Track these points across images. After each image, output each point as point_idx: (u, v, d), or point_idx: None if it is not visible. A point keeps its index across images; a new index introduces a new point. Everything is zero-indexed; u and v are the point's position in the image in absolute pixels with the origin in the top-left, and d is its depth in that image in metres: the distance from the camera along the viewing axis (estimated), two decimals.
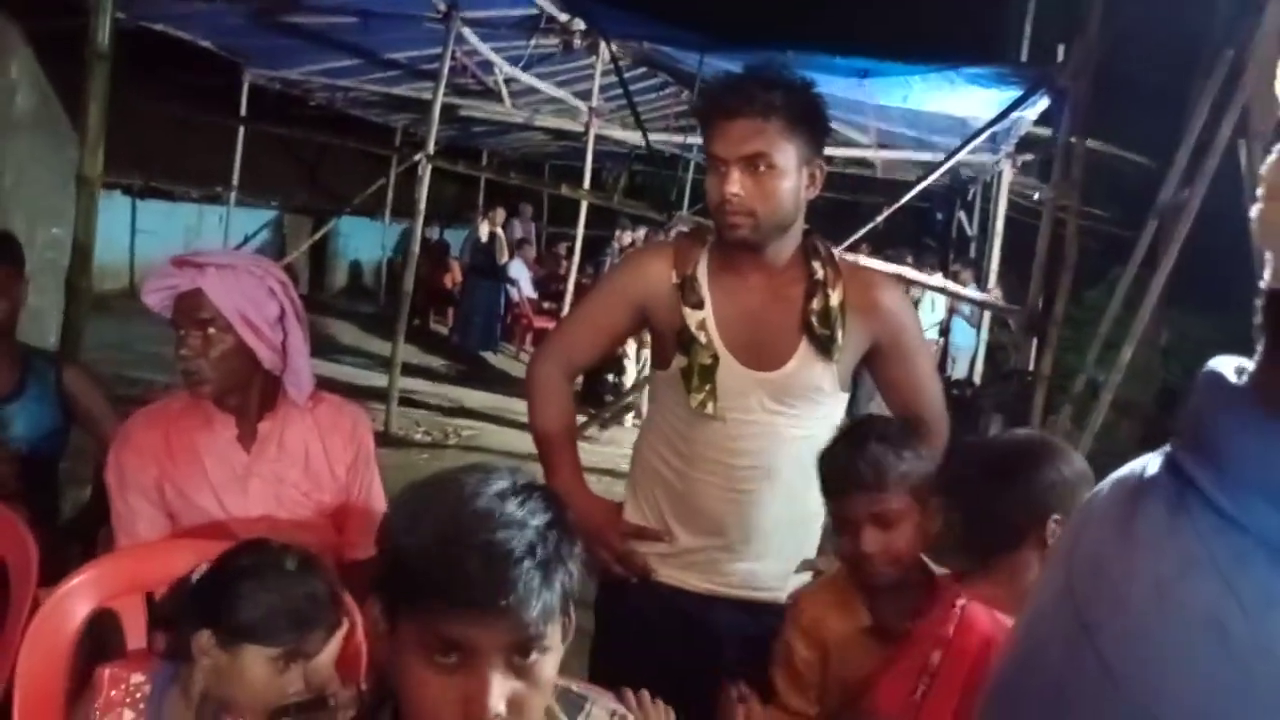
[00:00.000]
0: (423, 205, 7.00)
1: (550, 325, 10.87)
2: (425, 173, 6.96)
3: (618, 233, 10.12)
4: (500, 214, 10.92)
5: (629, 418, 8.15)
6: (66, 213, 3.44)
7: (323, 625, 1.58)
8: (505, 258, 11.18)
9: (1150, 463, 0.85)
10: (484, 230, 10.76)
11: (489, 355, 11.08)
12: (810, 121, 1.80)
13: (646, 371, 7.66)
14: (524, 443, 7.54)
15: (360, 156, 13.91)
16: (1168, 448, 0.83)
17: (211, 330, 1.86)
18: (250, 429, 1.98)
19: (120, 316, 8.88)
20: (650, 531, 1.97)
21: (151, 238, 11.42)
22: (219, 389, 1.90)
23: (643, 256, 2.02)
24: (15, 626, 1.79)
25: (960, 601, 1.48)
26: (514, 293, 11.54)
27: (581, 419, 6.29)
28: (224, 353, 1.87)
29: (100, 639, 1.82)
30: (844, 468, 1.69)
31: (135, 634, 1.77)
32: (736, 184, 1.76)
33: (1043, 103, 6.71)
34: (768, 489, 1.90)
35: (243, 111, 10.04)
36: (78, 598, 1.75)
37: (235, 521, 1.91)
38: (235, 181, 10.68)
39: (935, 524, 1.68)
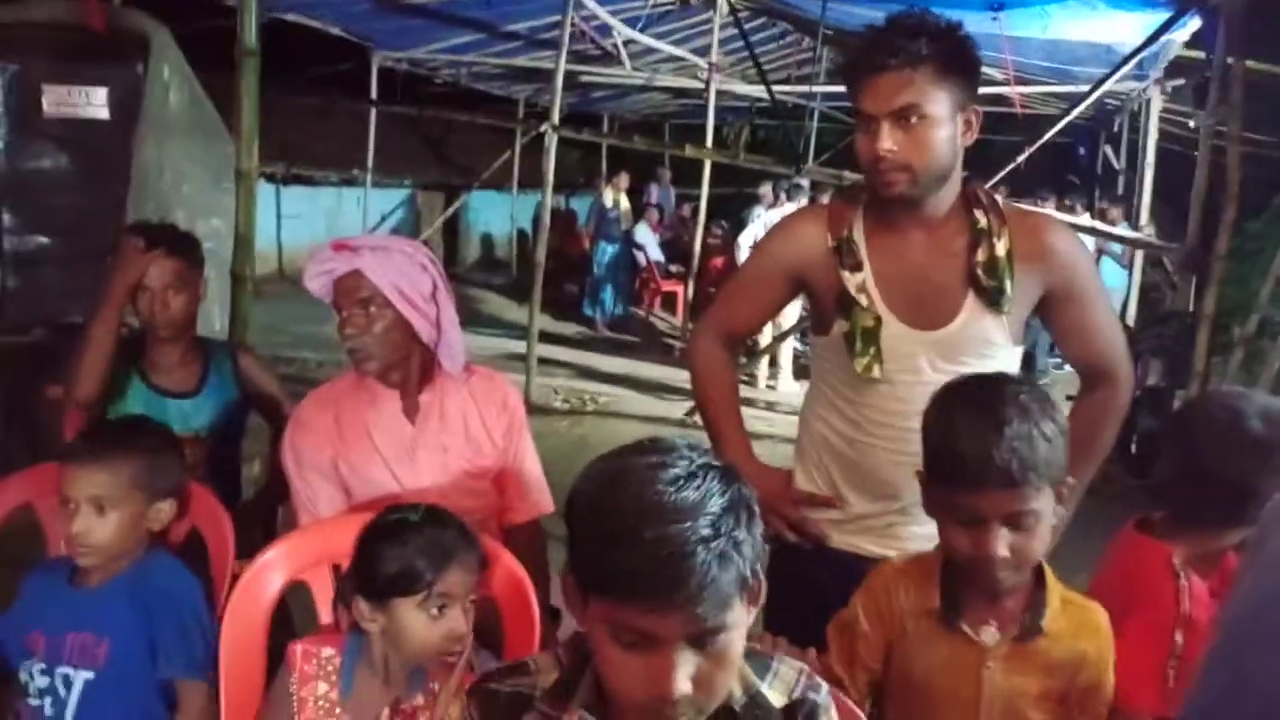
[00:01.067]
0: (550, 176, 7.07)
1: (677, 288, 10.92)
2: (551, 143, 7.01)
3: (764, 189, 10.03)
4: (624, 179, 10.94)
5: (783, 375, 8.09)
6: (221, 205, 3.60)
7: (457, 564, 1.66)
8: (630, 223, 11.22)
9: None
10: (609, 197, 10.81)
11: (620, 319, 11.20)
12: (961, 66, 1.74)
13: (785, 326, 7.58)
14: (660, 407, 7.58)
15: (486, 130, 14.10)
16: None
17: (372, 308, 1.93)
18: (413, 402, 2.04)
19: (271, 299, 9.31)
20: (822, 498, 1.96)
21: (295, 222, 11.92)
22: (384, 363, 1.97)
23: (795, 221, 2.00)
24: (219, 597, 1.91)
25: (1181, 575, 1.43)
26: (641, 257, 11.60)
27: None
28: (385, 328, 1.94)
29: (284, 615, 1.91)
30: (976, 456, 1.39)
31: (325, 604, 1.86)
32: (889, 139, 1.71)
33: (1194, 23, 6.27)
34: None
35: (373, 95, 10.33)
36: (273, 570, 1.84)
37: (407, 492, 1.98)
38: (370, 164, 11.00)
39: (1070, 509, 1.54)
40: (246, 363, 2.52)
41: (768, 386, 8.12)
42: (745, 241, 8.76)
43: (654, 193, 13.30)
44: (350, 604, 1.69)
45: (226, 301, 3.21)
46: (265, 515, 2.50)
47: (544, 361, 8.13)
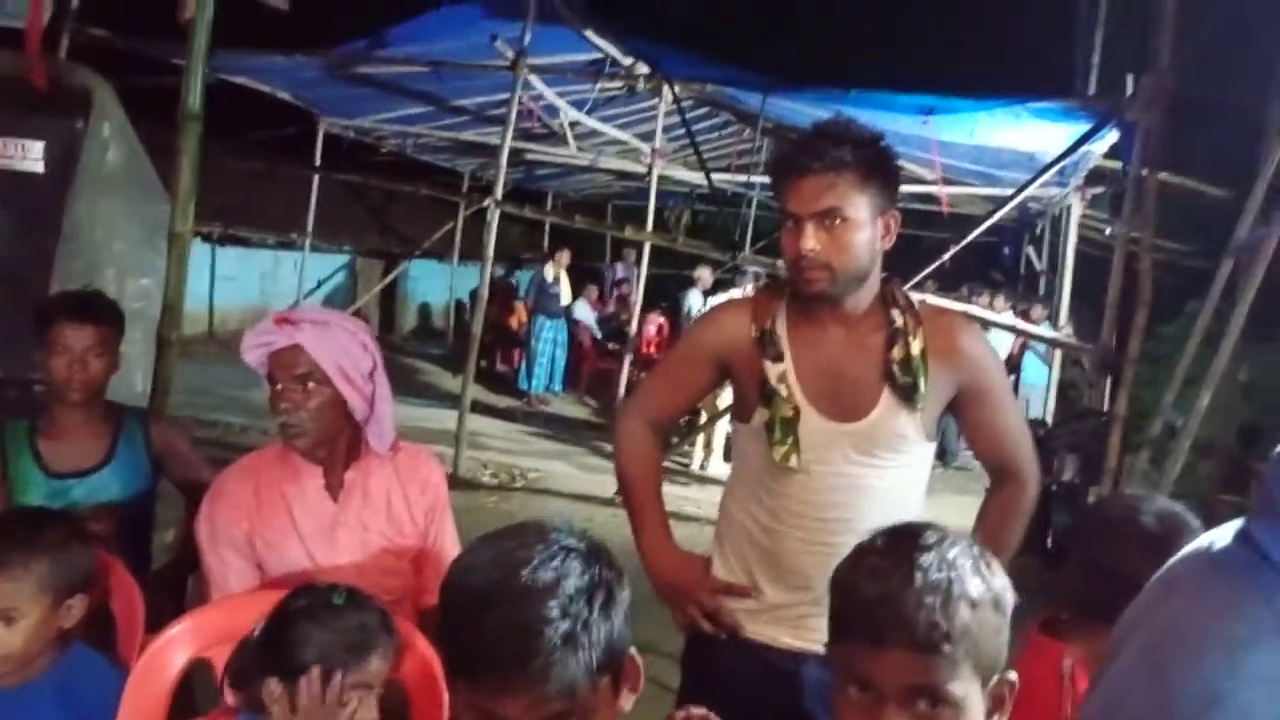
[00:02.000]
0: (490, 248, 7.11)
1: (612, 366, 10.96)
2: (494, 217, 7.07)
3: (701, 273, 10.18)
4: (565, 255, 11.03)
5: (714, 457, 8.13)
6: (152, 265, 3.55)
7: (376, 652, 1.63)
8: (568, 299, 11.30)
9: (1224, 534, 0.90)
10: (549, 272, 10.89)
11: (554, 396, 11.20)
12: (882, 173, 1.82)
13: (720, 408, 7.64)
14: (590, 484, 7.54)
15: (429, 201, 14.16)
16: (1241, 521, 0.88)
17: (310, 384, 1.91)
18: (337, 479, 2.02)
19: (200, 361, 9.13)
20: (738, 588, 1.97)
21: (230, 284, 11.78)
22: (315, 440, 1.95)
23: (721, 311, 2.05)
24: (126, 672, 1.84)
25: (1066, 677, 1.45)
26: (579, 333, 11.65)
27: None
28: (321, 404, 1.92)
29: (188, 694, 1.85)
30: (873, 599, 1.11)
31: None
32: (812, 239, 1.77)
33: (1112, 135, 6.61)
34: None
35: (317, 161, 10.34)
36: (176, 647, 1.79)
37: (323, 570, 1.94)
38: (309, 228, 10.97)
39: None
40: (160, 432, 2.45)
41: (700, 468, 8.15)
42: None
43: (619, 270, 13.47)
44: (246, 682, 1.64)
45: (150, 364, 3.15)
46: (176, 584, 2.43)
47: (475, 434, 8.07)
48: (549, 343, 10.91)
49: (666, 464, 7.18)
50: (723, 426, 8.01)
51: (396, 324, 15.01)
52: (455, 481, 6.69)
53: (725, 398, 7.44)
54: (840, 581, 1.19)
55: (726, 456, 8.17)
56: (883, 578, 1.12)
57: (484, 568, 1.08)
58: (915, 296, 1.98)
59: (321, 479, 2.02)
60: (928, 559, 1.13)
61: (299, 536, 1.97)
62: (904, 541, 1.17)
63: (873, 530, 1.22)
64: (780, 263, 2.21)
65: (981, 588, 1.12)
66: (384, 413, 2.03)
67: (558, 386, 11.35)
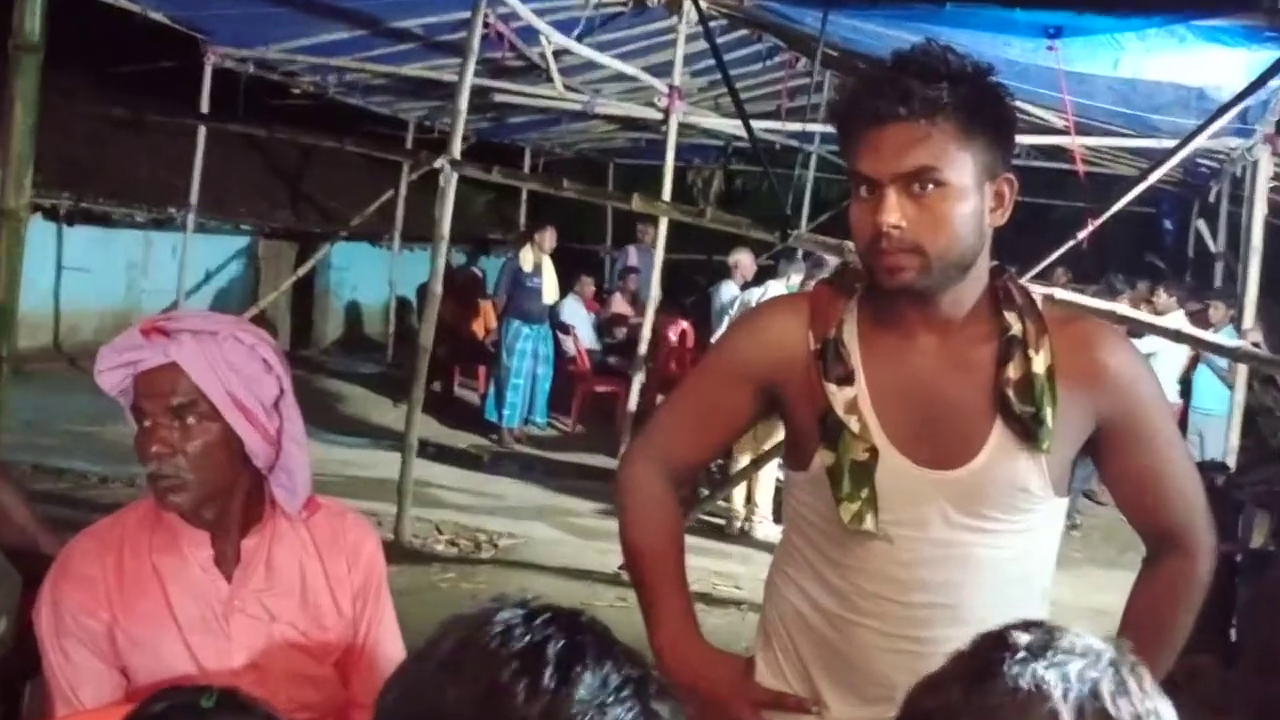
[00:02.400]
0: (446, 226, 7.13)
1: (616, 390, 11.01)
2: (449, 183, 7.10)
3: (738, 259, 10.24)
4: (550, 236, 11.09)
5: (760, 516, 8.16)
6: None
7: None
8: (553, 296, 11.37)
9: None
10: (527, 259, 10.94)
11: (534, 430, 11.25)
12: (992, 120, 1.82)
13: (766, 446, 7.65)
14: (584, 555, 7.56)
15: (360, 162, 14.26)
16: None
17: (190, 419, 1.91)
18: (231, 549, 2.03)
19: (41, 386, 9.18)
20: (793, 700, 1.97)
21: (82, 278, 11.82)
22: (199, 496, 1.95)
23: (767, 314, 2.04)
24: None
25: None
26: (568, 343, 11.72)
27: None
28: (206, 446, 1.92)
29: None
30: None
31: None
32: (895, 212, 1.78)
33: None
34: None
35: (204, 106, 10.39)
36: None
37: (212, 676, 1.94)
38: (193, 198, 11.01)
39: None
40: None
41: (740, 530, 8.18)
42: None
43: (632, 255, 13.49)
44: None
45: None
46: (7, 694, 2.44)
47: (426, 486, 8.08)
48: (527, 357, 10.97)
49: (692, 526, 7.18)
50: (771, 472, 8.01)
51: (315, 332, 15.09)
52: (397, 551, 6.70)
53: (775, 433, 7.46)
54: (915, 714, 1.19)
55: (777, 516, 8.17)
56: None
57: (431, 682, 1.06)
58: (1038, 292, 1.98)
59: (209, 549, 2.02)
60: (1049, 681, 1.13)
61: (178, 629, 1.98)
62: (1010, 653, 1.16)
63: (981, 621, 1.26)
64: (849, 245, 2.21)
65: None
66: (295, 457, 2.04)
67: (540, 417, 11.39)
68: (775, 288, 8.65)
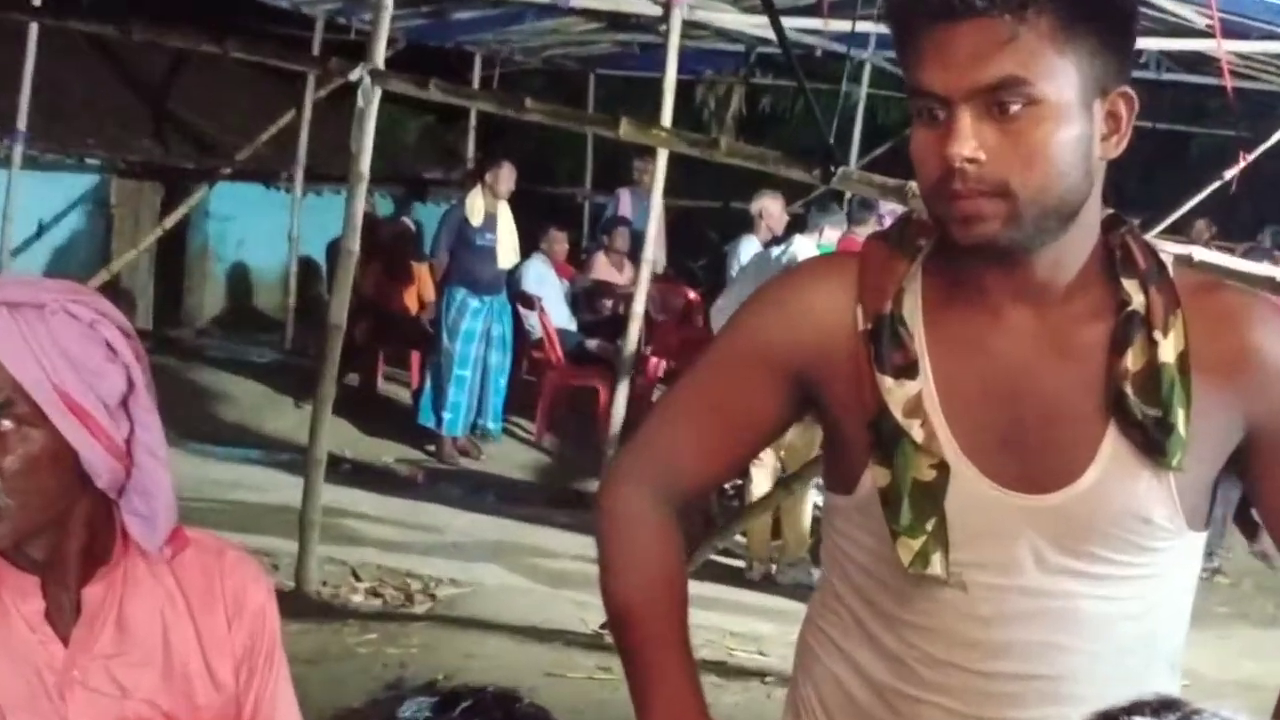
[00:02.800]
0: (366, 162, 7.12)
1: (597, 385, 10.99)
2: (370, 103, 7.09)
3: (764, 206, 10.20)
4: (506, 175, 11.03)
5: (777, 560, 8.15)
6: None
7: None
8: (512, 257, 11.32)
9: None
10: (475, 206, 10.89)
11: (486, 440, 11.28)
12: (1103, 15, 1.82)
13: (790, 465, 7.66)
14: (555, 609, 7.57)
15: (249, 74, 14.20)
16: None
17: (6, 423, 1.90)
18: (69, 600, 2.02)
19: None
20: None
21: None
22: (22, 528, 1.94)
23: (799, 284, 2.05)
24: None
25: None
26: (533, 322, 11.73)
27: None
28: (30, 462, 1.91)
29: None
30: None
31: None
32: (971, 141, 1.77)
33: None
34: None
35: None
36: None
37: None
38: (21, 123, 10.98)
39: None
40: None
41: (764, 576, 8.19)
42: (724, 308, 8.92)
43: (624, 202, 13.32)
44: None
45: None
46: None
47: (339, 514, 8.09)
48: (475, 339, 10.97)
49: (699, 570, 7.20)
50: (805, 499, 8.02)
51: (188, 305, 15.08)
52: (300, 604, 6.70)
53: (809, 445, 7.46)
54: None
55: (814, 556, 8.18)
56: None
57: None
58: (1170, 252, 1.98)
59: (39, 600, 2.01)
60: None
61: None
62: None
63: (1087, 699, 1.20)
64: (913, 187, 2.20)
65: None
66: (153, 475, 2.02)
67: (493, 423, 11.40)
68: (802, 246, 8.67)
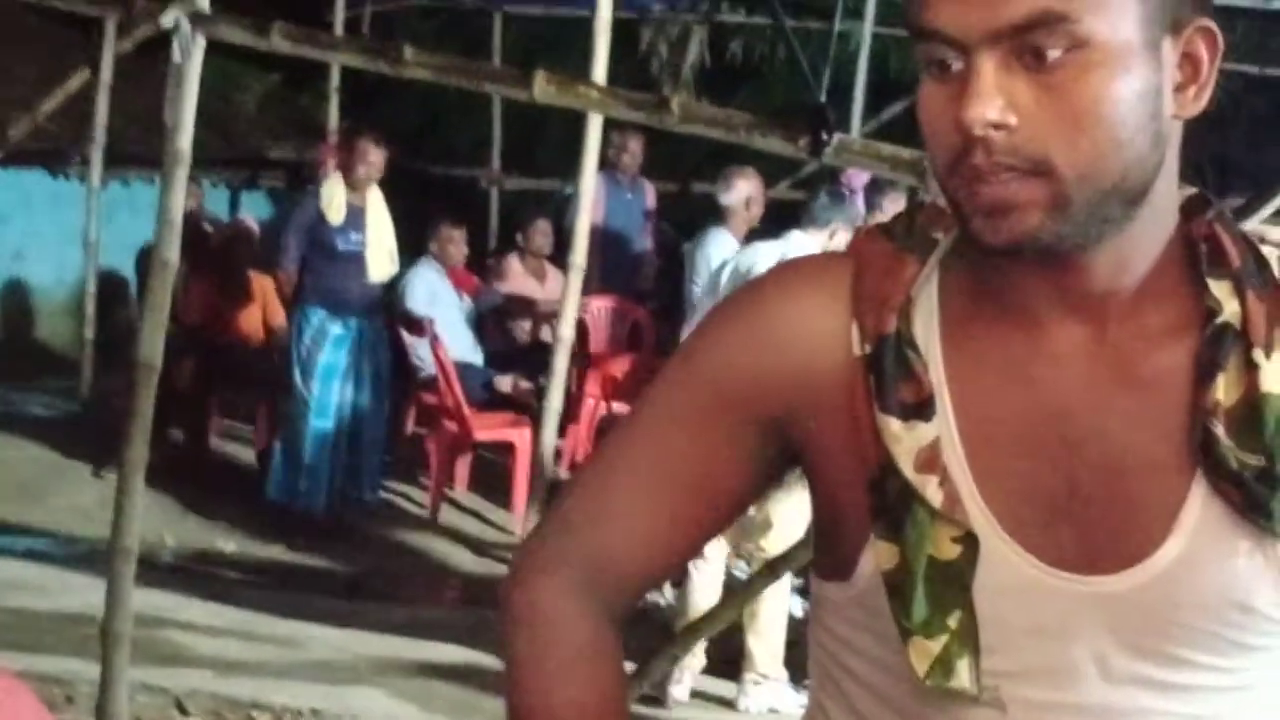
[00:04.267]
0: (186, 137, 7.12)
1: (512, 434, 11.09)
2: (189, 56, 7.10)
3: (730, 194, 10.20)
4: (373, 155, 10.88)
5: (760, 673, 8.26)
6: None
7: None
8: (389, 267, 11.18)
9: None
10: (333, 199, 10.78)
11: (359, 510, 11.33)
12: None
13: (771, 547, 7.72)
14: None
15: (26, 23, 14.20)
16: None
17: None
18: None
19: None
20: None
21: None
22: None
23: (778, 294, 2.05)
24: None
25: None
26: (421, 351, 11.78)
27: None
28: None
29: None
30: None
31: None
32: (996, 100, 1.78)
33: None
34: None
35: None
36: None
37: None
38: None
39: None
40: None
41: (723, 703, 8.32)
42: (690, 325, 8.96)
43: (598, 192, 12.97)
44: None
45: None
46: None
47: (159, 626, 8.12)
48: (337, 376, 10.89)
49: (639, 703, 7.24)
50: (780, 597, 8.07)
51: None
52: None
53: (788, 510, 7.54)
54: None
55: (797, 671, 8.31)
56: None
57: None
58: (1275, 243, 1.99)
59: None
60: None
61: None
62: None
63: None
64: (924, 159, 2.22)
65: None
66: None
67: (369, 493, 11.36)
68: (803, 245, 8.69)
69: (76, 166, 14.16)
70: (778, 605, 7.91)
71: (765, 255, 8.81)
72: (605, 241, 12.38)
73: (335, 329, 10.94)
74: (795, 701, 8.19)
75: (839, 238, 8.69)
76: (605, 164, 12.55)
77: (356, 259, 10.95)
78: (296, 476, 10.86)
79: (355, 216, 10.91)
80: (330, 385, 10.91)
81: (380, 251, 11.12)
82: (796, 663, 8.33)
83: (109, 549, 7.06)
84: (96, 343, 13.95)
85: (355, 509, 11.25)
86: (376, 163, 11.04)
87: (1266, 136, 11.85)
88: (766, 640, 8.28)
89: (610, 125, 10.51)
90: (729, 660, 8.44)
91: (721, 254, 10.17)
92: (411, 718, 7.78)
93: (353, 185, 10.93)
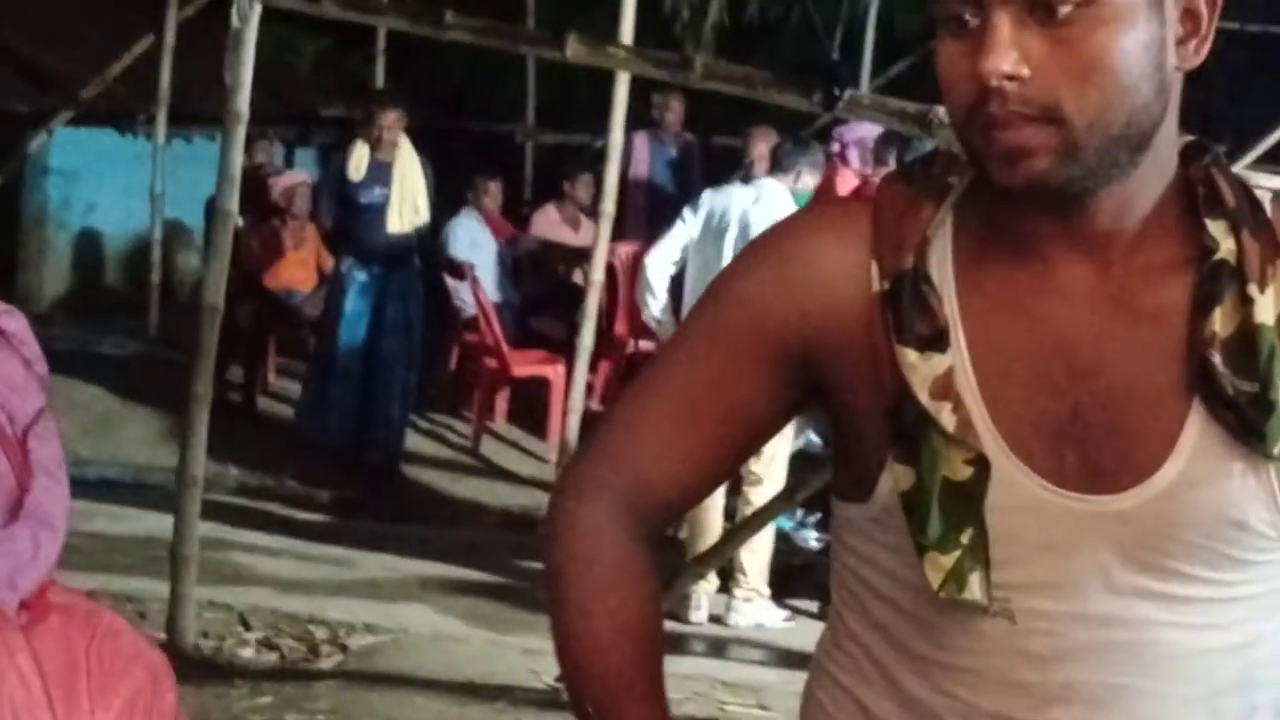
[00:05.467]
0: (244, 97, 7.12)
1: (544, 369, 11.17)
2: (248, 22, 7.09)
3: (752, 150, 10.15)
4: (392, 118, 10.46)
5: (746, 593, 8.30)
6: None
7: None
8: (411, 218, 11.00)
9: None
10: (357, 157, 10.60)
11: (395, 451, 11.30)
12: None
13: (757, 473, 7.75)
14: (497, 659, 7.59)
15: None
16: None
17: None
18: None
19: None
20: None
21: None
22: None
23: (797, 237, 2.05)
24: None
25: None
26: (464, 294, 11.81)
27: None
28: None
29: None
30: None
31: None
32: (1011, 53, 1.79)
33: None
34: None
35: None
36: None
37: None
38: None
39: None
40: None
41: (712, 619, 8.32)
42: (664, 258, 9.08)
43: (640, 149, 12.83)
44: None
45: None
46: None
47: (223, 549, 8.16)
48: (358, 321, 10.85)
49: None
50: (767, 529, 8.07)
51: (23, 284, 15.03)
52: (172, 661, 6.67)
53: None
54: None
55: (777, 592, 8.40)
56: None
57: None
58: (1268, 187, 1.98)
59: None
60: None
61: None
62: None
63: None
64: (939, 114, 2.21)
65: None
66: (46, 515, 2.05)
67: (403, 421, 11.38)
68: (774, 190, 8.71)
69: (142, 125, 14.13)
70: (767, 530, 7.91)
71: (738, 197, 8.98)
72: (650, 193, 12.34)
73: (361, 276, 10.86)
74: (778, 617, 8.34)
75: (804, 179, 8.73)
76: (649, 122, 12.58)
77: (376, 212, 10.86)
78: (323, 411, 10.82)
79: (380, 172, 10.78)
80: (354, 328, 10.81)
81: (404, 204, 10.99)
82: (776, 583, 8.46)
83: (176, 478, 7.10)
84: (162, 287, 14.00)
85: (387, 443, 11.22)
86: (392, 126, 10.93)
87: (1246, 89, 11.82)
88: (757, 560, 8.30)
89: (652, 86, 10.50)
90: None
91: (737, 208, 10.19)
92: (455, 631, 7.78)
93: (375, 145, 10.86)
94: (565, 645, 2.11)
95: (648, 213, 12.12)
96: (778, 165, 9.03)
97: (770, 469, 8.13)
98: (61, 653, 2.12)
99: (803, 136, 9.76)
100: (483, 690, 6.82)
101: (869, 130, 8.96)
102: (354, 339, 10.87)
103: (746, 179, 9.38)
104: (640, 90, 9.33)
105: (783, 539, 9.09)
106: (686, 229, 9.07)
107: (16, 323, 2.05)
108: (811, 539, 9.39)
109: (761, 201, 8.52)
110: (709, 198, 9.26)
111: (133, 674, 2.15)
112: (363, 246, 10.79)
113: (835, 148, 9.95)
